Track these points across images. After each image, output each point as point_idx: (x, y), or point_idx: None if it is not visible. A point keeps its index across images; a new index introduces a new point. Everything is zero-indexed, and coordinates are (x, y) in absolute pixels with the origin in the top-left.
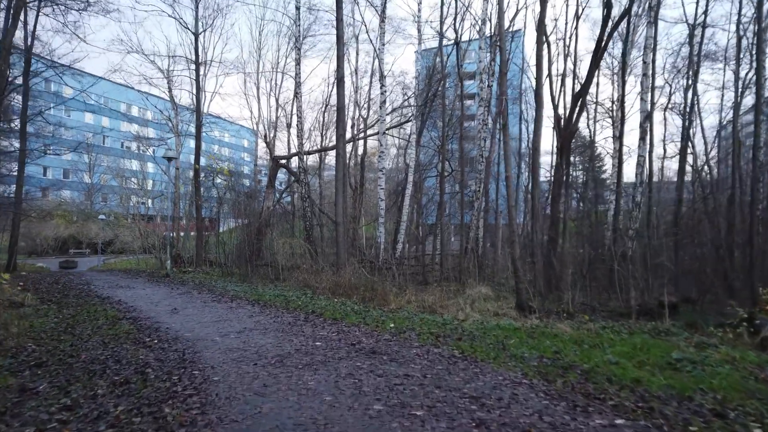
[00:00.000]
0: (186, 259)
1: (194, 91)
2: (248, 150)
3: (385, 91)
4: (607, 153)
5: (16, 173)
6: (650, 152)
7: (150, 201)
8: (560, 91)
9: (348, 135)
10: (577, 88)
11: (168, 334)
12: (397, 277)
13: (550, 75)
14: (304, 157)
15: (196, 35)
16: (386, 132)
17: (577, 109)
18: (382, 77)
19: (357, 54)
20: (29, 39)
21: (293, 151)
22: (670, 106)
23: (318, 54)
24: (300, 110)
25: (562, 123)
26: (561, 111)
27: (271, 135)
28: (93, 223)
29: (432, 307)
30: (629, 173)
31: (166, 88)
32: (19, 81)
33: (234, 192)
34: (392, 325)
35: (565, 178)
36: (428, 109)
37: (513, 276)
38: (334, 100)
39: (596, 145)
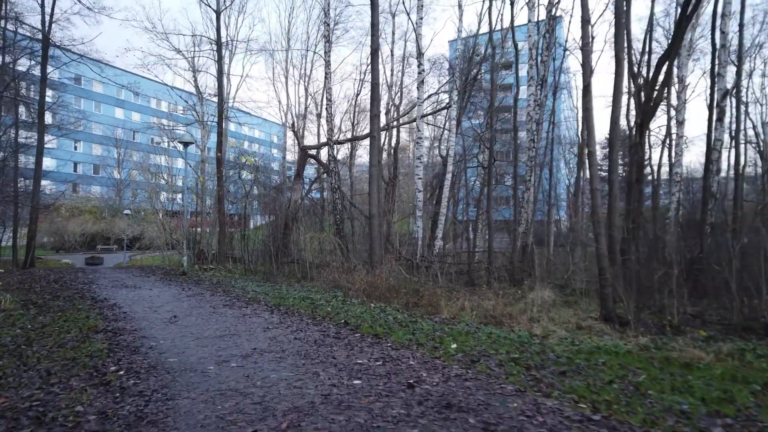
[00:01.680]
0: (210, 256)
1: (216, 74)
2: (277, 146)
3: (423, 70)
4: (661, 142)
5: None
6: (736, 134)
7: (178, 196)
8: (640, 58)
9: (382, 122)
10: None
11: (146, 359)
12: (439, 277)
13: (628, 30)
14: (335, 147)
15: (218, 13)
16: (423, 118)
17: (662, 76)
18: (419, 54)
19: (393, 33)
20: (47, 24)
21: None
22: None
23: (349, 42)
24: (330, 93)
25: (642, 94)
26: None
27: (300, 125)
28: (120, 218)
29: (495, 316)
30: (686, 164)
31: (192, 77)
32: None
33: (261, 186)
34: (454, 345)
35: (643, 159)
36: (467, 94)
37: (596, 277)
38: (365, 93)
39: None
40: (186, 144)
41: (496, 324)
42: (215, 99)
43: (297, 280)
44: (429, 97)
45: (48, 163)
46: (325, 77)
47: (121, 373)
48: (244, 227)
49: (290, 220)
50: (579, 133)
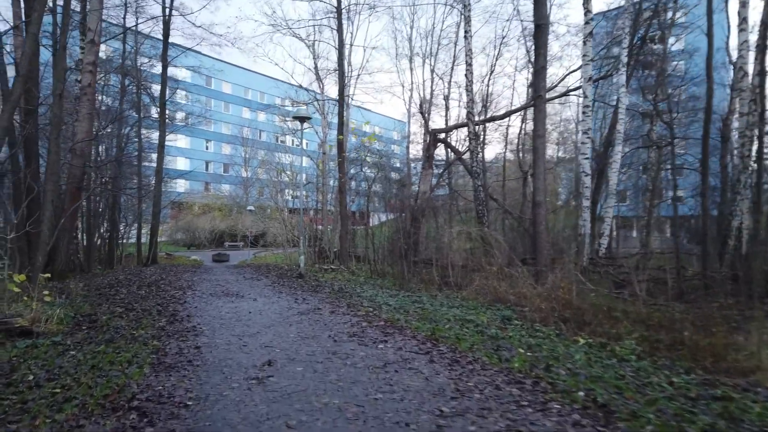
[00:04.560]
0: (332, 253)
1: (336, 45)
2: (397, 142)
3: (592, 19)
4: None
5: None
6: None
7: (302, 192)
8: None
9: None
10: None
11: None
12: (638, 289)
13: None
14: (475, 126)
15: None
16: (589, 81)
17: None
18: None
19: None
20: (167, 10)
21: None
22: None
23: (482, 11)
24: (470, 56)
25: None
26: None
27: (426, 109)
28: (246, 215)
29: None
30: None
31: (312, 64)
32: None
33: (385, 181)
34: None
35: None
36: (634, 61)
37: None
38: (499, 71)
39: None
40: (302, 120)
41: None
42: (335, 92)
43: (437, 288)
44: (593, 60)
45: (182, 162)
46: (465, 38)
47: None
48: (368, 222)
49: (419, 213)
50: None
